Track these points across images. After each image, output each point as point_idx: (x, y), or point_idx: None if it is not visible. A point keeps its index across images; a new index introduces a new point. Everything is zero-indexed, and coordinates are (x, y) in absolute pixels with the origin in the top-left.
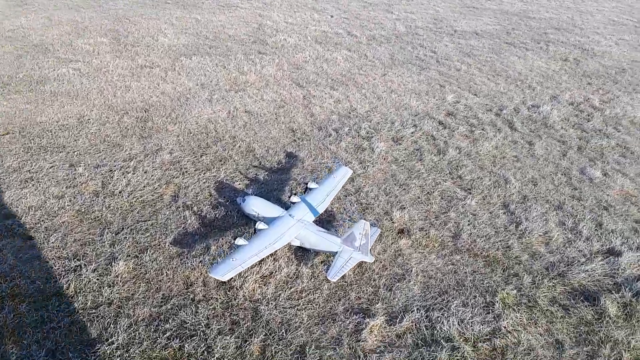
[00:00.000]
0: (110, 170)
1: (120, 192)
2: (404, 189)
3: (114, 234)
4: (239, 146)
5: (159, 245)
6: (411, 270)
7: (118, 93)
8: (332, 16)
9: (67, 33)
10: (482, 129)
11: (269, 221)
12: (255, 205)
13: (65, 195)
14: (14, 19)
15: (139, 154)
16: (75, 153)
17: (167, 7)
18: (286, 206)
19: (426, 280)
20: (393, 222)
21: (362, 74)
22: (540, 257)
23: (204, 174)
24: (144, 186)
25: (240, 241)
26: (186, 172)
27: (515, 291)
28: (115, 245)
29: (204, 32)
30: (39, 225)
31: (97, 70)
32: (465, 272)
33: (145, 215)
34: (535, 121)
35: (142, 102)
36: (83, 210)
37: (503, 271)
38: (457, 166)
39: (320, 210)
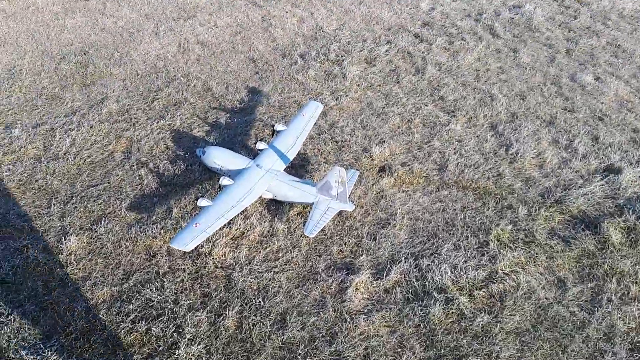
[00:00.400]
0: (52, 129)
1: (65, 154)
2: (382, 119)
3: (62, 204)
4: (194, 85)
5: (114, 212)
6: (396, 214)
7: (52, 34)
8: None
9: None
10: (462, 39)
11: (234, 174)
12: (218, 157)
13: (3, 164)
14: None
15: (82, 106)
16: (10, 112)
17: None
18: (253, 155)
19: (413, 223)
20: (372, 160)
21: None
22: (535, 183)
23: (158, 122)
24: (91, 144)
25: (203, 202)
26: (137, 122)
27: (510, 226)
28: (65, 218)
29: None
30: None
31: (25, 9)
32: (455, 210)
33: (96, 178)
34: (518, 24)
35: (81, 42)
36: (24, 179)
37: (496, 204)
38: (438, 86)
39: (291, 156)
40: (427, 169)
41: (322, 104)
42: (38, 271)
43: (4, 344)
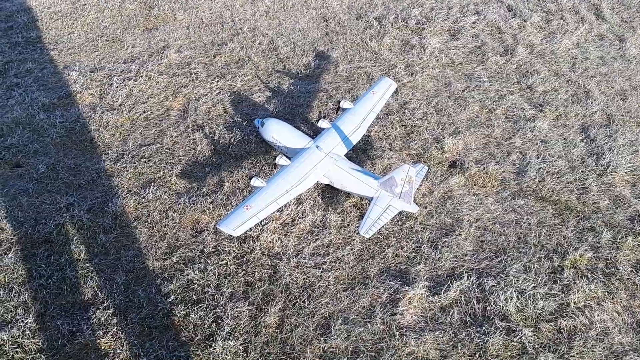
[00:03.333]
0: (109, 76)
1: (120, 106)
2: (460, 105)
3: (112, 162)
4: (260, 42)
5: (164, 178)
6: (463, 220)
7: None
8: None
9: None
10: (561, 18)
11: (291, 153)
12: (276, 131)
13: (57, 109)
14: None
15: (142, 53)
16: (70, 51)
17: None
18: (314, 132)
19: (481, 233)
20: (444, 152)
21: None
22: (625, 204)
23: (218, 82)
24: (148, 97)
25: (257, 182)
26: (197, 78)
27: (590, 253)
28: (114, 177)
29: None
30: (27, 148)
31: None
32: (530, 224)
33: (149, 137)
34: (629, 6)
35: None
36: (77, 129)
37: (577, 223)
38: (528, 72)
39: (355, 140)
40: (503, 171)
41: (394, 80)
42: (82, 234)
43: (41, 308)
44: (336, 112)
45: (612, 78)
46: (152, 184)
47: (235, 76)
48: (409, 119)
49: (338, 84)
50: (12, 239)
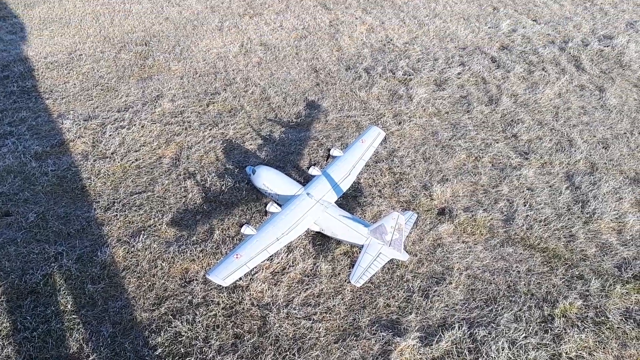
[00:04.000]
0: (103, 124)
1: (112, 154)
2: (447, 153)
3: (103, 210)
4: (252, 92)
5: (154, 226)
6: (453, 268)
7: (116, 20)
8: None
9: None
10: (543, 69)
11: (282, 200)
12: (267, 179)
13: (49, 157)
14: None
15: (136, 102)
16: (64, 100)
17: None
18: (305, 179)
19: (471, 282)
20: (432, 200)
21: None
22: (612, 252)
23: (211, 130)
24: (141, 145)
25: (247, 230)
26: (190, 127)
27: (580, 301)
28: (104, 226)
29: None
30: (17, 196)
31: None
32: (519, 272)
33: (141, 185)
34: (607, 58)
35: (143, 31)
36: (68, 177)
37: (565, 271)
38: (512, 121)
39: (345, 187)
40: (492, 219)
41: (383, 129)
42: (70, 284)
43: None
44: (326, 160)
45: (593, 127)
46: (142, 232)
47: (228, 124)
48: (398, 166)
49: (328, 132)
50: None
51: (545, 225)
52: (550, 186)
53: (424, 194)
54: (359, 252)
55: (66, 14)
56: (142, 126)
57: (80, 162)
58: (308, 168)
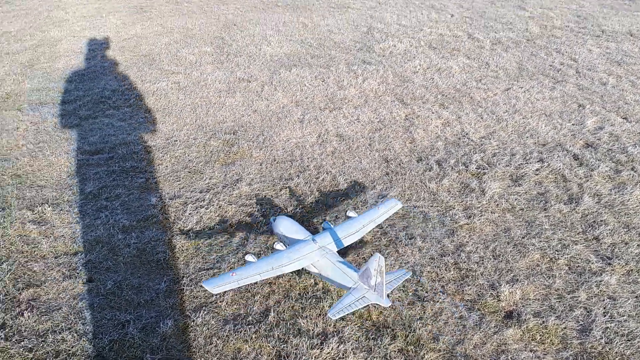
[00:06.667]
0: (184, 203)
1: (189, 231)
2: (519, 252)
3: (172, 283)
4: (323, 179)
5: (215, 303)
6: None
7: (211, 111)
8: (452, 15)
9: (175, 42)
10: (632, 169)
11: (290, 242)
12: (283, 226)
13: (134, 231)
14: (130, 27)
15: (217, 184)
16: (155, 179)
17: (276, 10)
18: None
19: None
20: (500, 301)
21: (480, 87)
22: None
23: (279, 212)
24: (215, 225)
25: (249, 257)
26: (261, 209)
27: None
28: (170, 298)
29: (309, 39)
30: (102, 264)
31: (195, 84)
32: None
33: (209, 261)
34: None
35: (233, 122)
36: (147, 250)
37: None
38: (594, 222)
39: (347, 242)
40: (565, 327)
41: (451, 222)
42: (131, 352)
43: None
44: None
45: None
46: (204, 308)
47: (296, 209)
48: (465, 262)
49: (393, 221)
50: (69, 350)
51: (628, 340)
52: (636, 297)
53: (491, 293)
54: (344, 293)
55: (169, 105)
56: (220, 207)
57: (160, 237)
58: (322, 223)
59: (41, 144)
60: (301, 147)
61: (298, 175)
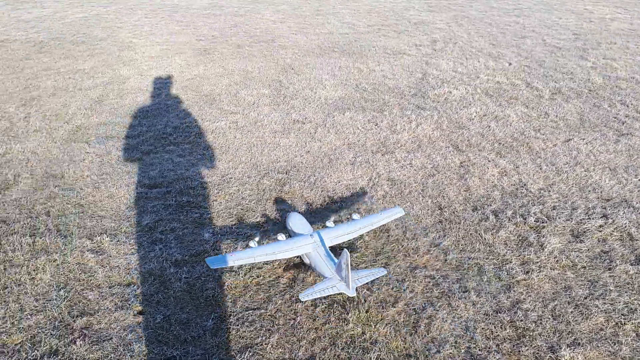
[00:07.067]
0: (235, 240)
1: (238, 269)
2: (581, 313)
3: (219, 321)
4: None
5: (260, 344)
6: None
7: (265, 151)
8: (510, 64)
9: (235, 83)
10: None
11: (294, 235)
12: (292, 221)
13: (186, 265)
14: (194, 67)
15: (267, 222)
16: (209, 215)
17: (332, 55)
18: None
19: None
20: None
21: (539, 137)
22: None
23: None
24: (264, 264)
25: (251, 243)
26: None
27: None
28: (216, 337)
29: (363, 84)
30: (153, 297)
31: (253, 124)
32: None
33: (257, 301)
34: None
35: (286, 162)
36: (197, 285)
37: None
38: None
39: (340, 240)
40: None
41: (507, 276)
42: None
43: None
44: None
45: None
46: (249, 349)
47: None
48: (521, 320)
49: (446, 272)
50: None
51: None
52: None
53: (550, 357)
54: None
55: (227, 144)
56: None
57: (210, 273)
58: (328, 220)
59: (104, 175)
60: (352, 190)
61: (348, 219)
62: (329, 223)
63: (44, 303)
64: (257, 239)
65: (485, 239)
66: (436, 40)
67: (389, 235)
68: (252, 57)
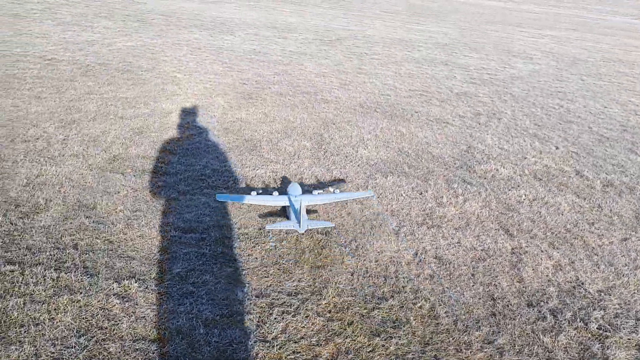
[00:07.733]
0: (271, 305)
1: (272, 339)
2: None
3: None
4: (421, 306)
5: None
6: None
7: None
8: (557, 147)
9: (276, 131)
10: None
11: (288, 194)
12: (291, 188)
13: (216, 326)
14: (236, 110)
15: (305, 289)
16: (244, 271)
17: (374, 115)
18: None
19: None
20: None
21: (594, 232)
22: None
23: (372, 339)
24: (301, 337)
25: (253, 193)
26: (353, 332)
27: None
28: None
29: (406, 148)
30: (179, 359)
31: (292, 177)
32: None
33: None
34: None
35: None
36: (228, 352)
37: None
38: None
39: (311, 203)
40: None
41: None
42: None
43: None
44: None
45: None
46: None
47: (391, 338)
48: None
49: None
50: None
51: None
52: None
53: None
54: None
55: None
56: (307, 316)
57: (242, 339)
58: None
59: (138, 212)
60: (396, 264)
61: (392, 296)
62: (315, 192)
63: (62, 350)
64: (259, 191)
65: (543, 342)
66: (480, 113)
67: (437, 323)
68: (294, 107)
